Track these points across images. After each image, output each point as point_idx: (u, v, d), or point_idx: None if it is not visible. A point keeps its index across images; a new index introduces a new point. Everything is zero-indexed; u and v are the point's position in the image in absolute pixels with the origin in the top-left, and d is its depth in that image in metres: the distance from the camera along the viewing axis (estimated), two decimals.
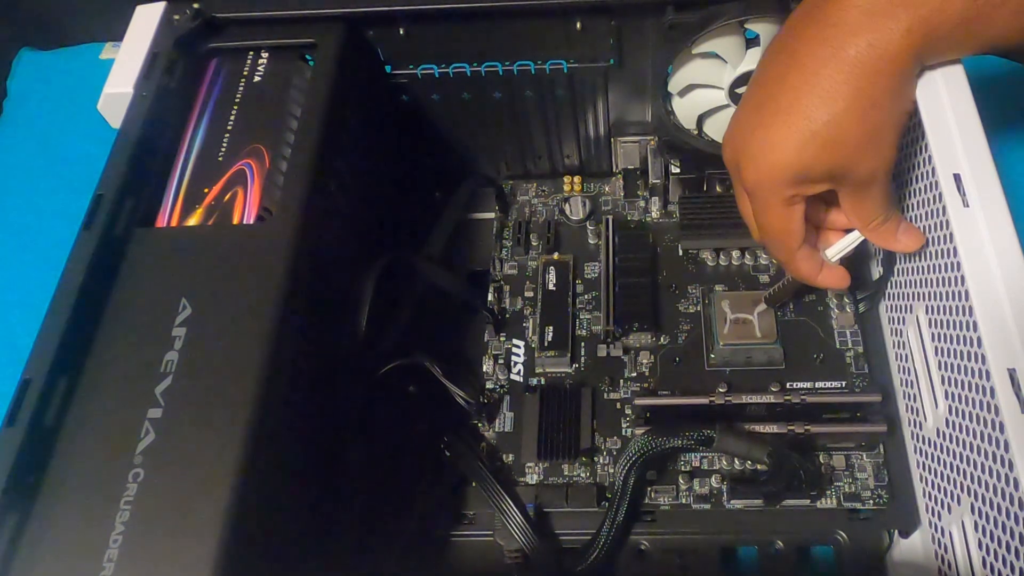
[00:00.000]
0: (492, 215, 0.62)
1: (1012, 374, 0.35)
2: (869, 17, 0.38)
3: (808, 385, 0.50)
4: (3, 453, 0.35)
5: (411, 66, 0.56)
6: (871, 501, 0.48)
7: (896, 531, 0.48)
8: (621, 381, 0.54)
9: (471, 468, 0.49)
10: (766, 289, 0.55)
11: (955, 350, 0.40)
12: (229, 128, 0.48)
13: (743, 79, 0.52)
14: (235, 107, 0.49)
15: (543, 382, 0.54)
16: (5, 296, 0.68)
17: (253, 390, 0.37)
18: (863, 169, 0.41)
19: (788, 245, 0.46)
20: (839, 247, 0.47)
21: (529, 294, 0.58)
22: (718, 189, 0.59)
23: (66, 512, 0.35)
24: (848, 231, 0.47)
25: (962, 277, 0.38)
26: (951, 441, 0.42)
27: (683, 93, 0.56)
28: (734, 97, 0.54)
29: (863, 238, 0.46)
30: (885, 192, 0.43)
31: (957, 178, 0.40)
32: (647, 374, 0.54)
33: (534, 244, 0.61)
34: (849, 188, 0.43)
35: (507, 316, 0.58)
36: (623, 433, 0.52)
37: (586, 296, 0.58)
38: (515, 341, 0.56)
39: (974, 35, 0.39)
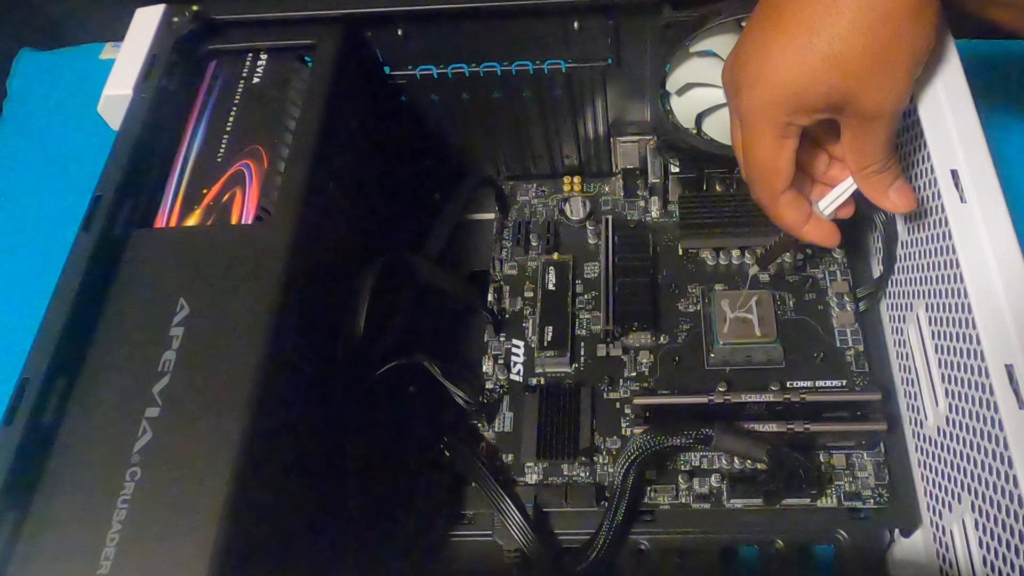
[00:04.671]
0: (492, 215, 0.62)
1: (1010, 370, 0.35)
2: None
3: (808, 384, 0.50)
4: (1, 452, 0.35)
5: (410, 67, 0.56)
6: (872, 500, 0.48)
7: (897, 530, 0.48)
8: (621, 381, 0.54)
9: (470, 468, 0.49)
10: (766, 288, 0.55)
11: (954, 347, 0.40)
12: (228, 129, 0.48)
13: None
14: (234, 108, 0.49)
15: (543, 382, 0.54)
16: (4, 296, 0.68)
17: (251, 389, 0.37)
18: (868, 99, 0.37)
19: (773, 184, 0.42)
20: (831, 197, 0.44)
21: (529, 294, 0.58)
22: (718, 188, 0.59)
23: (64, 511, 0.35)
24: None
25: (960, 274, 0.38)
26: (951, 439, 0.41)
27: (681, 92, 0.56)
28: None
29: (855, 187, 0.43)
30: (889, 135, 0.39)
31: (954, 174, 0.40)
32: (647, 373, 0.54)
33: (534, 244, 0.61)
34: (851, 120, 0.39)
35: (507, 316, 0.58)
36: (622, 432, 0.52)
37: (586, 296, 0.58)
38: (515, 341, 0.56)
39: None
